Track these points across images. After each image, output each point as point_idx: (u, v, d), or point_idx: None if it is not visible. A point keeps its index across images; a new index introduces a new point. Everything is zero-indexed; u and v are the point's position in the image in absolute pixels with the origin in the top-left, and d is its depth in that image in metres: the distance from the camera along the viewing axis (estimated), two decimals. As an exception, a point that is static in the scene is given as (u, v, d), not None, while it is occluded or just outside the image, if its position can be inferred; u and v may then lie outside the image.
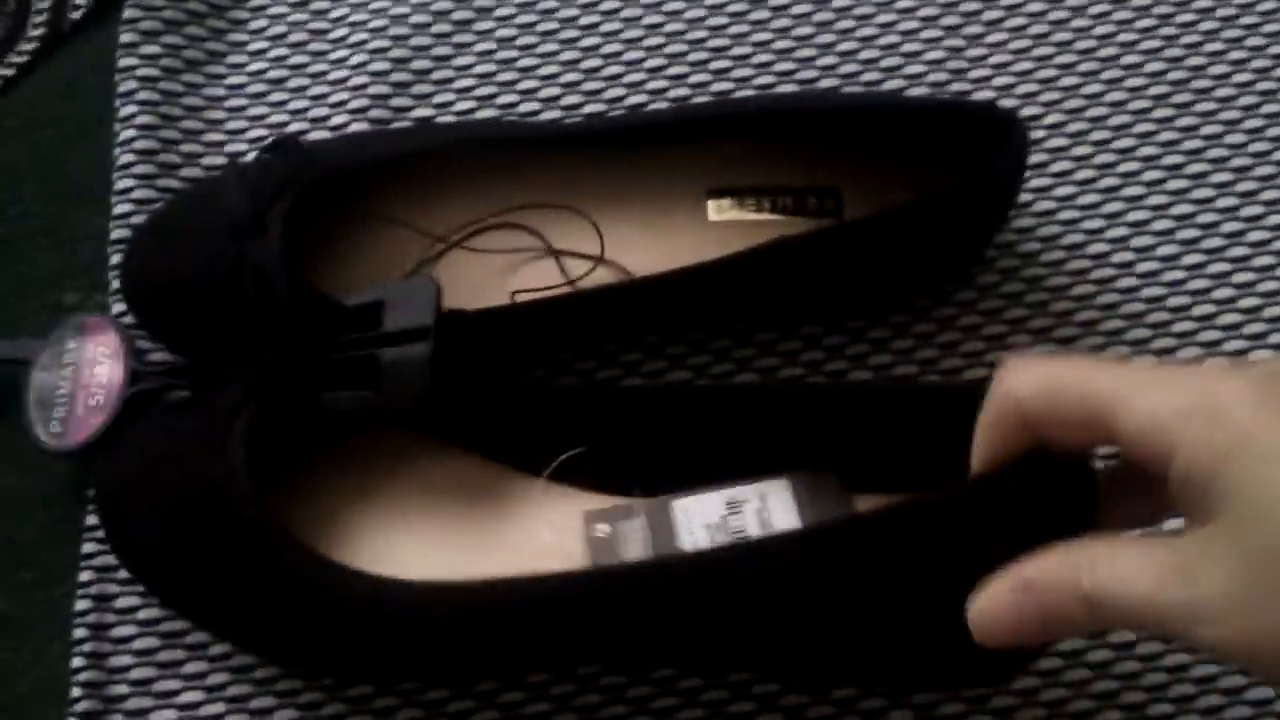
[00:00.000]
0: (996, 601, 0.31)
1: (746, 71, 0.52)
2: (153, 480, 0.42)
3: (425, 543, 0.44)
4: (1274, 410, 0.27)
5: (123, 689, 0.44)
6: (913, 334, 0.48)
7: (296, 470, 0.44)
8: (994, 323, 0.48)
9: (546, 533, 0.43)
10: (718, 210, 0.48)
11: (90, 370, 0.45)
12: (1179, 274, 0.48)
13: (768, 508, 0.41)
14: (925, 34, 0.52)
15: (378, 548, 0.43)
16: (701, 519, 0.41)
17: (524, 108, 0.51)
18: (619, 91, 0.52)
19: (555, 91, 0.52)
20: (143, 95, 0.51)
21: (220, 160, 0.51)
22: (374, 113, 0.51)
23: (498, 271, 0.47)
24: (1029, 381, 0.31)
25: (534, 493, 0.44)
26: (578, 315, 0.45)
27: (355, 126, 0.51)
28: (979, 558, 0.32)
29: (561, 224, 0.48)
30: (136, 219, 0.49)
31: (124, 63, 0.51)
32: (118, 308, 0.48)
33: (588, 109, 0.51)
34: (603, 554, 0.42)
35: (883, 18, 0.52)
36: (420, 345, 0.40)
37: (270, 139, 0.48)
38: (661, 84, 0.52)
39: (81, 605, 0.45)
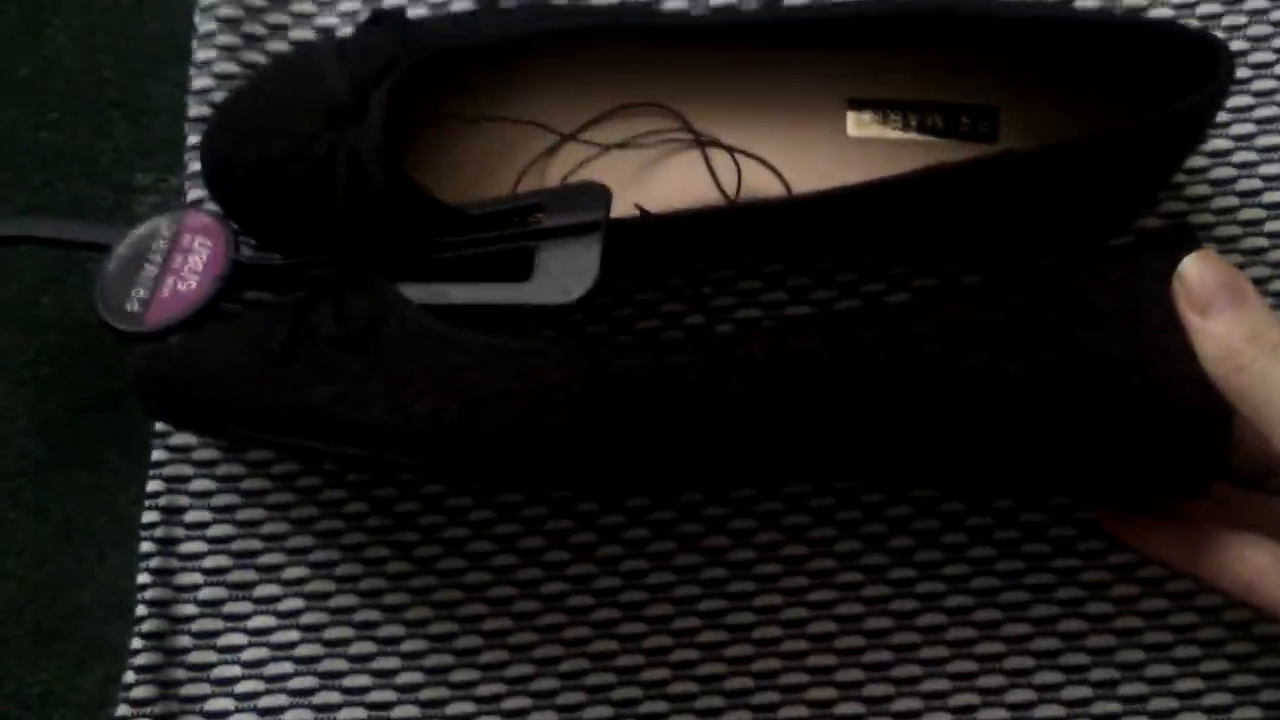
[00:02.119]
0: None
1: None
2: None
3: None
4: None
5: (190, 609, 0.41)
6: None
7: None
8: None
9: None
10: (858, 124, 0.43)
11: (184, 256, 0.41)
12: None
13: None
14: (1100, -62, 0.46)
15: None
16: None
17: None
18: None
19: None
20: (228, -44, 0.46)
21: (309, 34, 0.46)
22: None
23: (618, 170, 0.43)
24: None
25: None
26: (701, 231, 0.41)
27: (457, 5, 0.46)
28: None
29: (681, 130, 0.43)
30: (217, 95, 0.45)
31: (208, -81, 0.46)
32: (194, 193, 0.44)
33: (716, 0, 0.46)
34: None
35: (1053, -86, 0.46)
36: (590, 237, 0.36)
37: (370, 11, 0.44)
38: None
39: (149, 517, 0.42)
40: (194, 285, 0.40)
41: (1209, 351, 0.33)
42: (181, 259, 0.41)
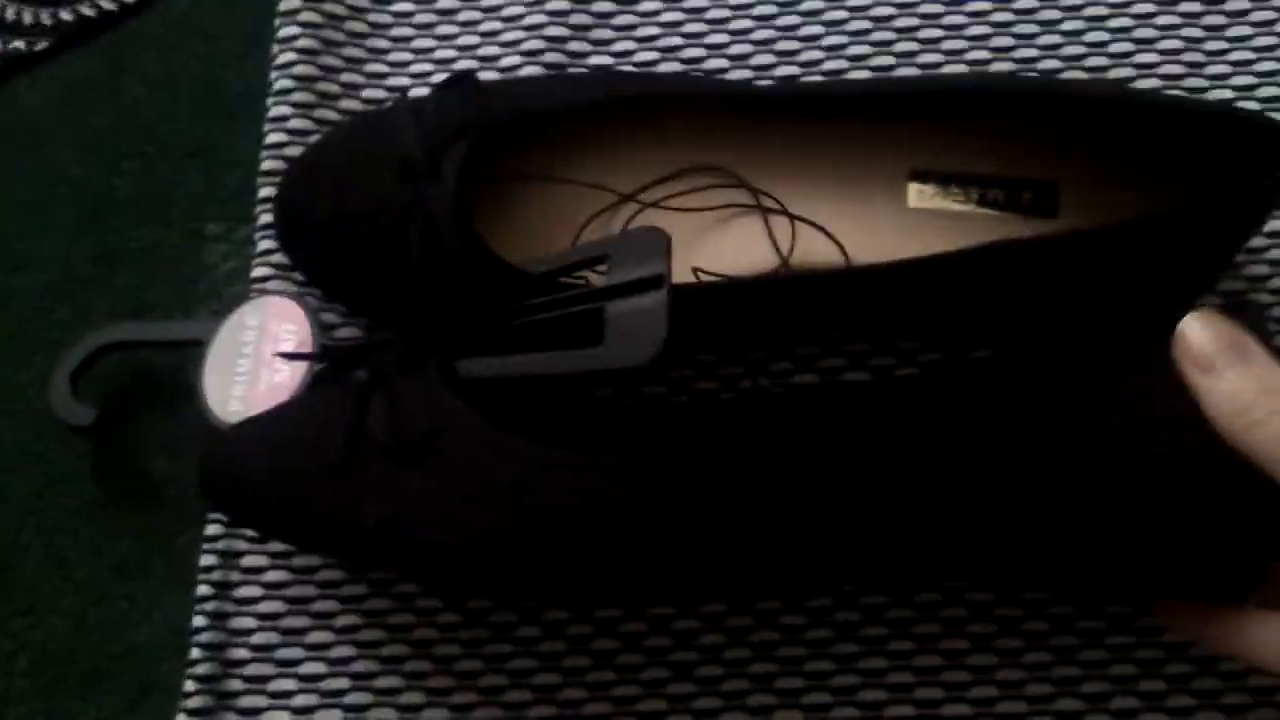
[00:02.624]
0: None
1: (958, 44, 0.47)
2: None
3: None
4: None
5: (243, 653, 0.42)
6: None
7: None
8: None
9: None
10: (919, 196, 0.44)
11: (273, 345, 0.42)
12: None
13: None
14: (1161, 19, 0.47)
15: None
16: None
17: (710, 64, 0.47)
18: (815, 55, 0.47)
19: (746, 49, 0.47)
20: (305, 16, 0.47)
21: (381, 94, 0.47)
22: (548, 56, 0.47)
23: (678, 232, 0.43)
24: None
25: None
26: (762, 300, 0.41)
27: (527, 70, 0.47)
28: None
29: (741, 194, 0.44)
30: (290, 150, 0.46)
31: (287, -22, 0.48)
32: (264, 244, 0.45)
33: (780, 71, 0.47)
34: None
35: (1117, -4, 0.47)
36: (655, 294, 0.36)
37: (445, 76, 0.44)
38: (863, 49, 0.47)
39: (206, 560, 0.42)
40: (286, 376, 0.41)
41: (1221, 408, 0.32)
42: (271, 348, 0.42)
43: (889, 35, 0.47)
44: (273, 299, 0.43)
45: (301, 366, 0.42)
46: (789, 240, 0.43)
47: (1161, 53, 0.46)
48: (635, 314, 0.36)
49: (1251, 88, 0.46)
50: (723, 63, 0.47)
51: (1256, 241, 0.43)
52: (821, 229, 0.43)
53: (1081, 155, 0.43)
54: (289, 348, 0.42)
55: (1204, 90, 0.46)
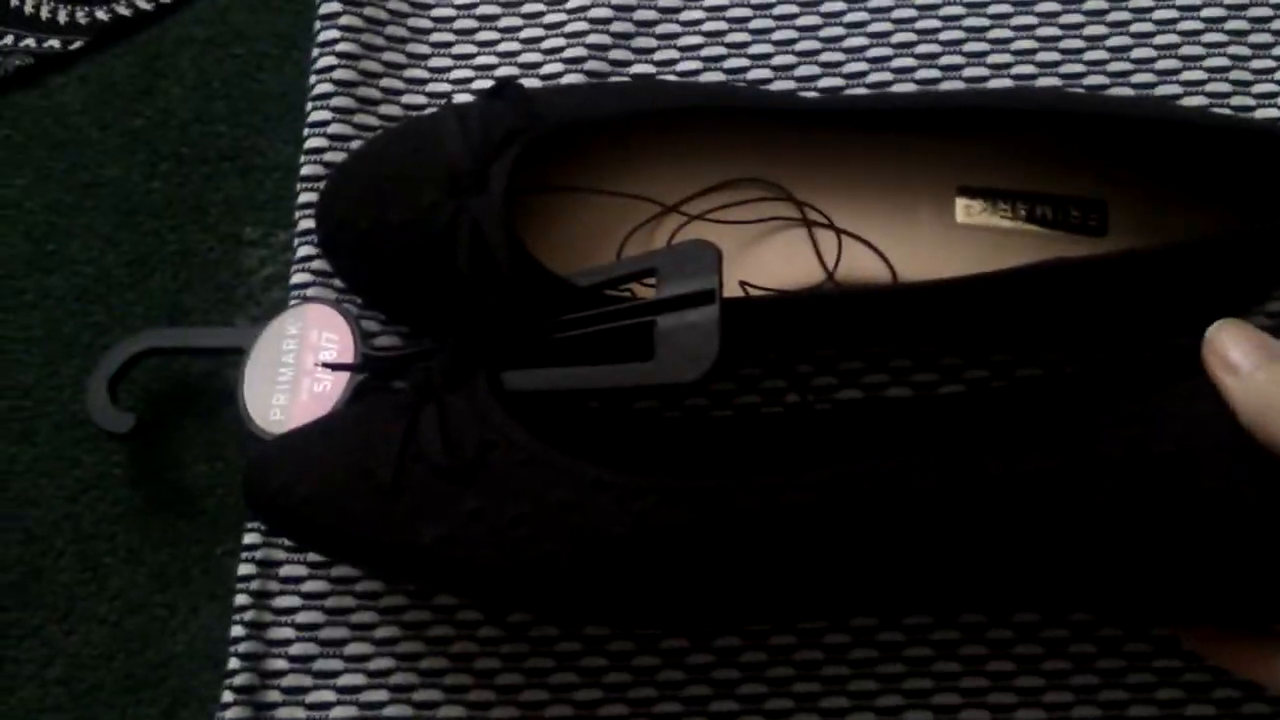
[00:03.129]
0: None
1: (1003, 58, 0.46)
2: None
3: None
4: None
5: (281, 664, 0.41)
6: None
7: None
8: None
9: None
10: (967, 212, 0.44)
11: (314, 354, 0.42)
12: None
13: None
14: (1207, 37, 0.46)
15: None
16: None
17: (753, 74, 0.47)
18: (860, 66, 0.47)
19: (789, 60, 0.47)
20: (346, 20, 0.47)
21: (421, 99, 0.47)
22: (590, 64, 0.47)
23: (724, 244, 0.43)
24: None
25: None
26: (809, 315, 0.41)
27: (569, 78, 0.47)
28: None
29: (783, 203, 0.44)
30: (330, 156, 0.45)
31: (328, -18, 0.47)
32: (303, 250, 0.45)
33: (824, 83, 0.47)
34: None
35: (1162, 13, 0.47)
36: (706, 309, 0.36)
37: (486, 82, 0.44)
38: (908, 62, 0.47)
39: (244, 570, 0.42)
40: (328, 386, 0.41)
41: (1250, 404, 0.32)
42: (312, 357, 0.42)
43: (932, 48, 0.47)
44: (313, 307, 0.43)
45: (344, 376, 0.41)
46: (834, 254, 0.43)
47: (1208, 70, 0.46)
48: (686, 329, 0.36)
49: (1299, 107, 0.46)
50: (766, 73, 0.47)
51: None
52: (868, 244, 0.43)
53: (1129, 173, 0.43)
54: (331, 357, 0.42)
55: (1251, 109, 0.46)
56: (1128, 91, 0.46)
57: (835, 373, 0.44)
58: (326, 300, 0.43)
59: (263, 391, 0.42)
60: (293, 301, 0.44)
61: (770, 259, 0.44)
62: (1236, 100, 0.46)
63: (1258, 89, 0.46)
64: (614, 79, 0.47)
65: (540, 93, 0.43)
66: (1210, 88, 0.46)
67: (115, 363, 0.43)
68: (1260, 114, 0.46)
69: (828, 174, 0.44)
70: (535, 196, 0.44)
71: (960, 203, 0.44)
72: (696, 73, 0.47)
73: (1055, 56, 0.46)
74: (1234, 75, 0.46)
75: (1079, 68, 0.46)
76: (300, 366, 0.42)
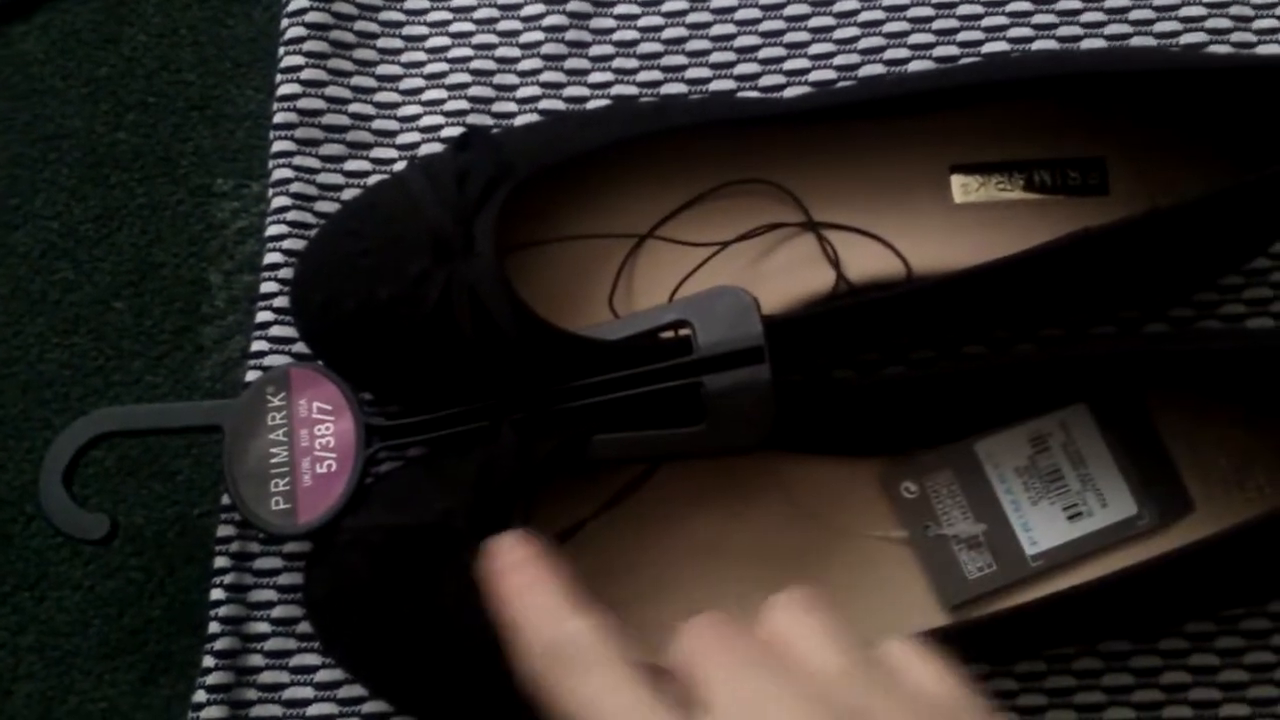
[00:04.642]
0: None
1: (974, 35, 0.45)
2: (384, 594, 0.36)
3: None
4: None
5: (263, 627, 0.40)
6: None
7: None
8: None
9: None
10: (964, 190, 0.42)
11: (309, 431, 0.38)
12: None
13: (1073, 439, 0.38)
14: (1206, -29, 0.45)
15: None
16: (1010, 462, 0.39)
17: (693, 74, 0.45)
18: (801, 64, 0.45)
19: (752, 69, 0.45)
20: (317, -39, 0.45)
21: (398, 43, 0.45)
22: (547, 75, 0.45)
23: (733, 264, 0.41)
24: None
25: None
26: (835, 325, 0.39)
27: (543, 72, 0.45)
28: None
29: (770, 208, 0.42)
30: (302, 102, 0.44)
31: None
32: (278, 201, 0.43)
33: (789, 92, 0.45)
34: (916, 514, 0.39)
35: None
36: (757, 368, 0.35)
37: (458, 133, 0.41)
38: (853, 59, 0.45)
39: (224, 531, 0.41)
40: (334, 466, 0.37)
41: None
42: (308, 435, 0.37)
43: (904, 26, 0.45)
44: (294, 372, 0.38)
45: (349, 452, 0.37)
46: (840, 255, 0.41)
47: (1208, 5, 0.45)
48: (738, 391, 0.35)
49: (1299, 42, 0.44)
50: (730, 83, 0.45)
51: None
52: (876, 237, 0.41)
53: (1121, 127, 0.42)
54: (329, 433, 0.38)
55: (1252, 45, 0.44)
56: (1125, 29, 0.45)
57: (855, 365, 0.42)
58: (308, 365, 0.39)
59: (257, 477, 0.37)
60: (254, 364, 0.42)
61: (777, 271, 0.41)
62: (1237, 36, 0.45)
63: (1259, 24, 0.45)
64: (578, 105, 0.44)
65: (507, 137, 0.39)
66: (1210, 23, 0.45)
67: (65, 455, 0.37)
68: (1262, 49, 0.44)
69: (816, 173, 0.42)
70: (520, 251, 0.41)
71: (956, 181, 0.42)
72: (659, 83, 0.45)
73: (1054, 19, 0.45)
74: (1234, 10, 0.45)
75: (1051, 18, 0.45)
76: (295, 445, 0.37)
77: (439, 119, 0.44)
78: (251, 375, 0.42)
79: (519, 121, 0.44)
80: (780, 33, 0.45)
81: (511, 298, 0.35)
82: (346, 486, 0.37)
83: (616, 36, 0.45)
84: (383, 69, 0.45)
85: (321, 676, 0.40)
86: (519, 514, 0.34)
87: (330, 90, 0.44)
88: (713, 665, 0.24)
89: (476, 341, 0.36)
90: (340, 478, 0.37)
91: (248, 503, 0.37)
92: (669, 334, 0.37)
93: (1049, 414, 0.39)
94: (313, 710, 0.39)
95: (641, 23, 0.45)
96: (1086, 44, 0.44)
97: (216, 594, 0.40)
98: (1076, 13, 0.45)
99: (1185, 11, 0.45)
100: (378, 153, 0.44)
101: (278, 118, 0.44)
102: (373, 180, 0.43)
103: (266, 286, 0.42)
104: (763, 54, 0.45)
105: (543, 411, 0.36)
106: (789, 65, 0.45)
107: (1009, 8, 0.45)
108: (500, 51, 0.45)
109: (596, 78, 0.45)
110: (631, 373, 0.36)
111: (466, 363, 0.36)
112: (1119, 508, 0.38)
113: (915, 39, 0.45)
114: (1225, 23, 0.45)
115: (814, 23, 0.45)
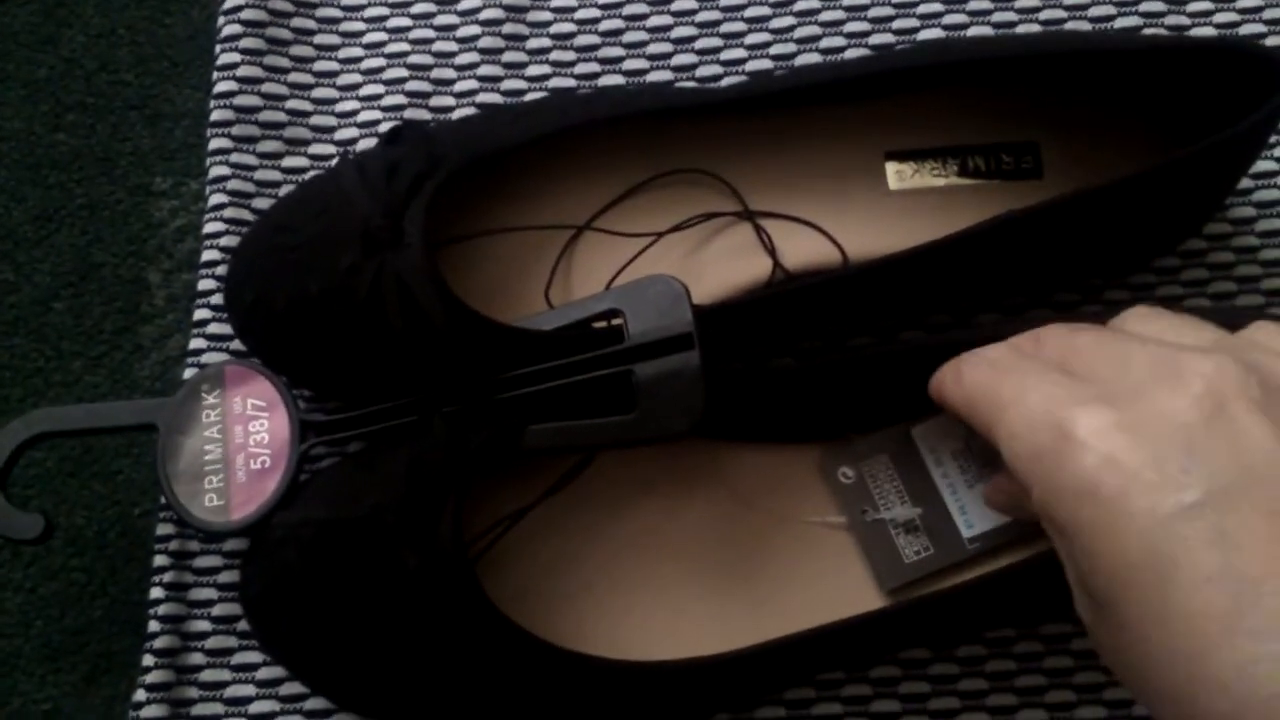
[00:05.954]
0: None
1: (909, 22, 0.45)
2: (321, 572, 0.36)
3: (674, 592, 0.39)
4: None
5: (204, 625, 0.40)
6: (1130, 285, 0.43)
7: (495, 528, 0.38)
8: (1222, 279, 0.42)
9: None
10: (899, 177, 0.42)
11: (244, 428, 0.38)
12: None
13: None
14: (1140, -45, 0.45)
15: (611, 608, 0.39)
16: (947, 445, 0.39)
17: (631, 66, 0.45)
18: (738, 54, 0.45)
19: (689, 60, 0.45)
20: (252, -45, 0.45)
21: (335, 39, 0.45)
22: (484, 69, 0.45)
23: (670, 256, 0.41)
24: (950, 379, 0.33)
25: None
26: (770, 311, 0.39)
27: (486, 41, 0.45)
28: None
29: (707, 198, 0.42)
30: (240, 99, 0.44)
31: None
32: (215, 199, 0.43)
33: (726, 82, 0.45)
34: (854, 499, 0.39)
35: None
36: (687, 354, 0.35)
37: (390, 125, 0.42)
38: (789, 48, 0.45)
39: (163, 530, 0.40)
40: (268, 462, 0.37)
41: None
42: (242, 431, 0.37)
43: (840, 15, 0.45)
44: (229, 369, 0.38)
45: (284, 448, 0.37)
46: (774, 243, 0.41)
47: (1143, -12, 0.45)
48: (668, 378, 0.35)
49: (1234, 25, 0.45)
50: (668, 75, 0.45)
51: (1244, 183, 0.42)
52: (813, 225, 0.41)
53: (1054, 110, 0.42)
54: (262, 425, 0.38)
55: (1186, 28, 0.45)
56: (1060, 14, 0.45)
57: (795, 353, 0.42)
58: (242, 362, 0.39)
59: (191, 474, 0.37)
60: (193, 361, 0.42)
61: (714, 261, 0.41)
62: (1171, 20, 0.45)
63: (1192, 7, 0.45)
64: (516, 99, 0.45)
65: (439, 130, 0.39)
66: (1145, 7, 0.45)
67: (1, 455, 0.37)
68: (1196, 32, 0.45)
69: (752, 162, 0.42)
70: (453, 244, 0.41)
71: (891, 168, 0.42)
72: (596, 75, 0.45)
73: (989, 5, 0.45)
74: (1167, -8, 0.45)
75: (1011, 16, 0.45)
76: (230, 441, 0.37)
77: (376, 114, 0.44)
78: (190, 373, 0.42)
79: (456, 115, 0.44)
80: (716, 23, 0.45)
81: (440, 288, 0.35)
82: (280, 482, 0.37)
83: (554, 29, 0.45)
84: (320, 65, 0.45)
85: (263, 674, 0.40)
86: (451, 507, 0.34)
87: (267, 87, 0.44)
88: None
89: (407, 333, 0.35)
90: (274, 474, 0.37)
91: (181, 500, 0.37)
92: (602, 323, 0.37)
93: None
94: (254, 708, 0.39)
95: (578, 15, 0.45)
96: (1021, 29, 0.45)
97: (156, 592, 0.40)
98: (989, 12, 0.45)
99: (1120, -6, 0.45)
100: (315, 149, 0.44)
101: (215, 115, 0.44)
102: (310, 176, 0.43)
103: (204, 284, 0.42)
104: (699, 44, 0.45)
105: (475, 403, 0.36)
106: (725, 55, 0.45)
107: (944, -6, 0.45)
108: (437, 46, 0.45)
109: (534, 71, 0.45)
110: (563, 362, 0.36)
111: (398, 355, 0.36)
112: (1054, 489, 0.38)
113: (851, 27, 0.45)
114: (1159, 6, 0.45)
115: (750, 13, 0.45)
